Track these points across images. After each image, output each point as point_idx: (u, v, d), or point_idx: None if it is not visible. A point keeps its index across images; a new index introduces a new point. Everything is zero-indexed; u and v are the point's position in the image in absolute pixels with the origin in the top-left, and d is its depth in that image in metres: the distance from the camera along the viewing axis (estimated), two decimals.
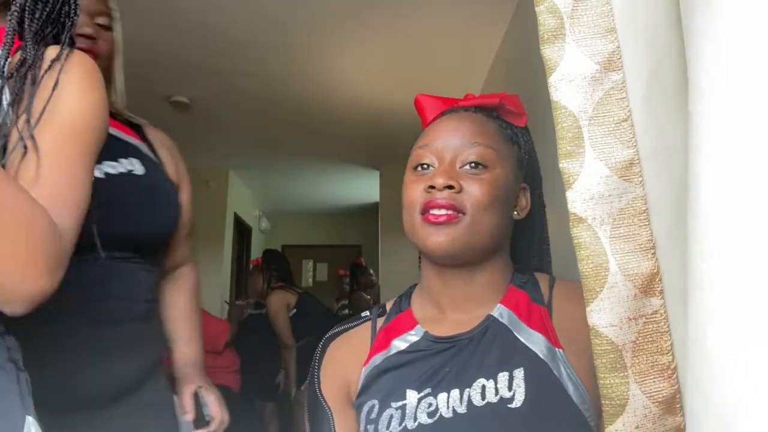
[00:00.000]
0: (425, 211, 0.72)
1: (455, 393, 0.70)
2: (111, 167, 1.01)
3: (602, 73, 0.53)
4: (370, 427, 0.73)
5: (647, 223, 0.52)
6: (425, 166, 0.77)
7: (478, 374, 0.70)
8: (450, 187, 0.72)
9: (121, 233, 0.98)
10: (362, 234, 6.70)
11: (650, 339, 0.52)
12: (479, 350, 0.72)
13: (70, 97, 0.70)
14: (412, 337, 0.78)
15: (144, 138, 1.17)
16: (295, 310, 3.41)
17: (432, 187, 0.72)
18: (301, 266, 7.23)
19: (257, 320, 3.47)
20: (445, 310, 0.79)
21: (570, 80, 0.53)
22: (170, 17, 2.42)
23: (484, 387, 0.69)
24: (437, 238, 0.71)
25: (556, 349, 0.70)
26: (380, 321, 0.84)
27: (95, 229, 0.85)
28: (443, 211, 0.71)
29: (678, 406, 0.52)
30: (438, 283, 0.79)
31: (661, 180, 0.52)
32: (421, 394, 0.72)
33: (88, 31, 1.05)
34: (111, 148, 1.01)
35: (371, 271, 4.76)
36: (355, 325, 0.86)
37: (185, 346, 1.28)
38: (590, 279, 0.52)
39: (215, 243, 4.92)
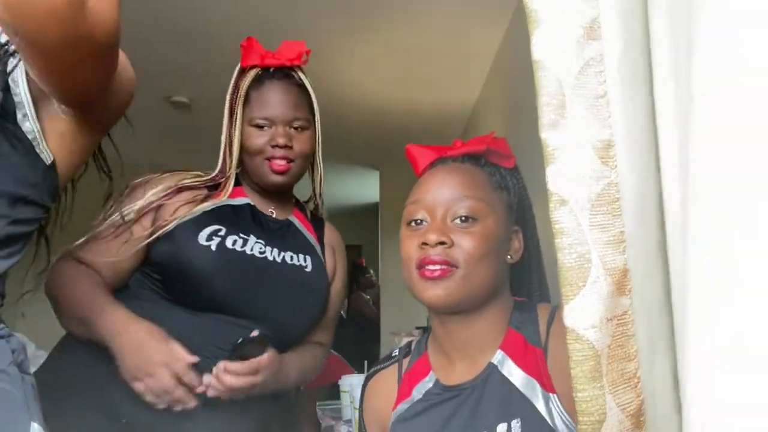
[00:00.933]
0: (421, 266, 0.76)
1: None
2: (290, 257, 1.13)
3: (584, 39, 0.49)
4: None
5: (620, 213, 0.48)
6: (418, 221, 0.80)
7: (480, 427, 0.74)
8: (442, 243, 0.75)
9: (274, 316, 1.07)
10: (362, 234, 6.69)
11: (619, 343, 0.47)
12: (483, 401, 0.76)
13: None
14: (427, 384, 0.83)
15: (320, 235, 1.26)
16: None
17: (425, 243, 0.76)
18: None
19: None
20: (451, 357, 0.82)
21: (553, 40, 0.49)
22: (170, 17, 2.43)
23: None
24: (434, 292, 0.75)
25: (550, 394, 0.73)
26: (405, 362, 0.90)
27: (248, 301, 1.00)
28: (437, 266, 0.74)
29: (642, 419, 0.48)
30: (441, 330, 0.83)
31: (627, 169, 0.49)
32: None
33: (281, 142, 1.10)
34: (294, 243, 1.16)
35: (371, 272, 4.76)
36: (387, 366, 0.92)
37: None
38: (572, 272, 0.46)
39: None
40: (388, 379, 0.90)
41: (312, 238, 1.23)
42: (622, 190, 0.48)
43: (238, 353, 0.96)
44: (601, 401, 0.45)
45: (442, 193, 0.79)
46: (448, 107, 3.40)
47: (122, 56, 0.82)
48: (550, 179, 0.47)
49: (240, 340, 0.97)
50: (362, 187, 5.55)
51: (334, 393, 1.93)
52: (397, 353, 0.92)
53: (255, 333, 1.01)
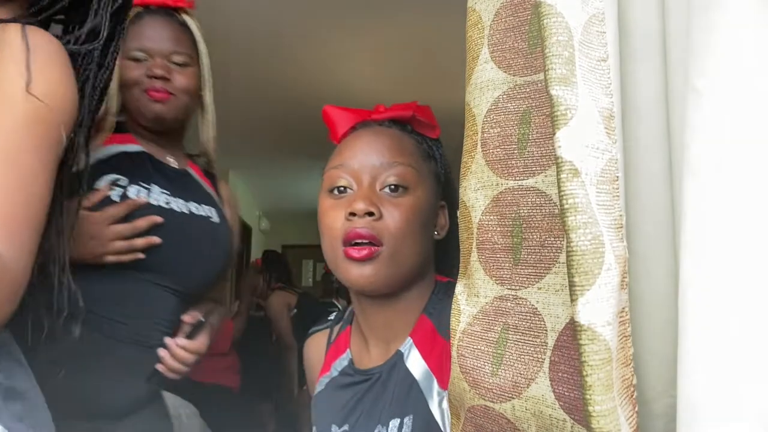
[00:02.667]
0: (347, 242, 0.69)
1: None
2: (195, 208, 1.08)
3: None
4: None
5: (618, 195, 0.43)
6: (342, 188, 0.73)
7: (378, 419, 0.72)
8: (371, 213, 0.69)
9: (183, 270, 1.03)
10: None
11: (621, 345, 0.41)
12: (385, 391, 0.73)
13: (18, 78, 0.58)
14: (343, 362, 0.80)
15: (216, 190, 1.21)
16: (295, 311, 3.42)
17: (353, 214, 0.69)
18: (301, 266, 7.23)
19: (253, 321, 3.49)
20: (368, 337, 0.78)
21: None
22: None
23: None
24: (360, 273, 0.69)
25: (445, 392, 0.65)
26: (336, 329, 0.87)
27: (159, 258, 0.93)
28: (365, 244, 0.69)
29: None
30: (359, 310, 0.79)
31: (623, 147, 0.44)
32: (340, 430, 0.76)
33: (158, 73, 1.05)
34: (197, 193, 1.10)
35: None
36: (322, 329, 0.89)
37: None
38: (587, 257, 0.37)
39: None
40: (319, 342, 0.87)
41: (211, 190, 1.17)
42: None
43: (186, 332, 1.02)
44: (616, 415, 0.37)
45: (370, 157, 0.72)
46: (449, 106, 3.40)
47: None
48: (563, 144, 0.38)
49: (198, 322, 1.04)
50: None
51: None
52: (332, 317, 0.89)
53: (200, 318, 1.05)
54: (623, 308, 0.42)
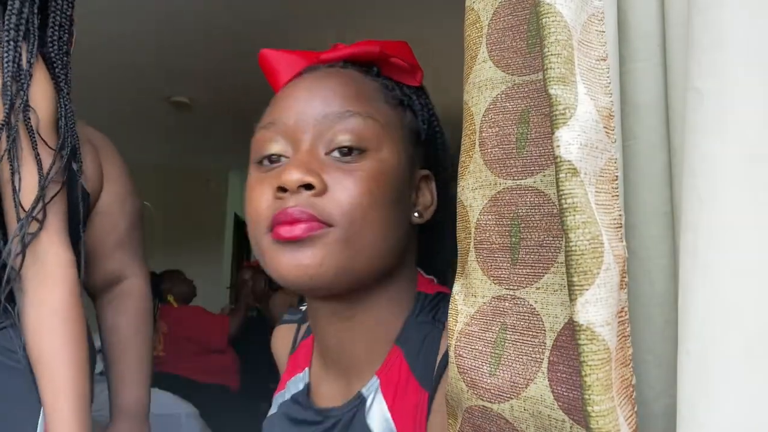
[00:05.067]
0: (274, 224, 0.50)
1: None
2: None
3: None
4: None
5: (618, 194, 0.42)
6: (274, 157, 0.54)
7: None
8: (308, 187, 0.49)
9: None
10: None
11: (620, 345, 0.40)
12: None
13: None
14: (299, 383, 0.63)
15: None
16: None
17: (282, 189, 0.50)
18: None
19: (250, 321, 3.49)
20: (325, 362, 0.60)
21: None
22: (170, 17, 2.43)
23: None
24: (293, 262, 0.49)
25: None
26: (303, 328, 0.69)
27: None
28: (300, 223, 0.49)
29: None
30: (313, 322, 0.60)
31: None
32: None
33: None
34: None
35: None
36: (289, 322, 0.72)
37: (127, 387, 1.01)
38: (586, 256, 0.37)
39: (215, 243, 4.93)
40: (285, 338, 0.70)
41: None
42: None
43: None
44: (615, 416, 0.36)
45: (311, 108, 0.52)
46: (450, 105, 3.40)
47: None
48: (562, 143, 0.38)
49: None
50: None
51: None
52: (302, 310, 0.71)
53: None
54: (622, 308, 0.41)
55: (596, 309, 0.37)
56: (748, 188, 0.37)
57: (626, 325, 0.41)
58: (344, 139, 0.51)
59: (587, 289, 0.37)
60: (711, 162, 0.37)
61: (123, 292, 1.05)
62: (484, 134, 0.51)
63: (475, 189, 0.52)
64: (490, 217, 0.50)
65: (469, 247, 0.52)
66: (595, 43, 0.43)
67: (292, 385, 0.64)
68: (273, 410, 0.65)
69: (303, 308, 0.71)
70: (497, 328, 0.48)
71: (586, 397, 0.36)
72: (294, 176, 0.49)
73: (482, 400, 0.47)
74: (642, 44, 0.49)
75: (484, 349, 0.48)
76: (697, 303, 0.37)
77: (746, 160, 0.37)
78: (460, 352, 0.50)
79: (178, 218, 4.67)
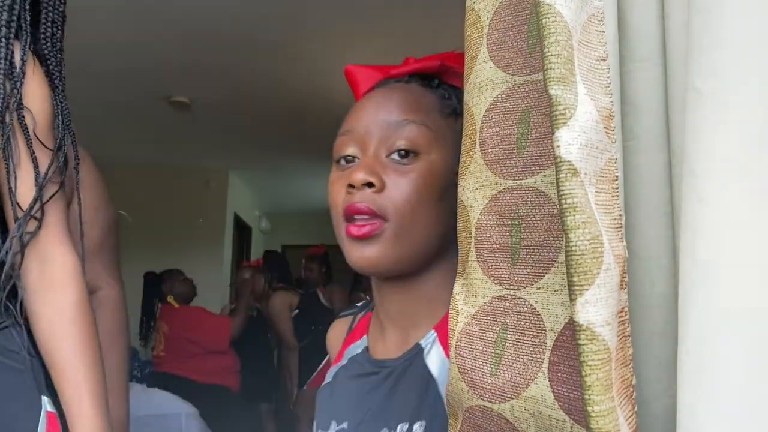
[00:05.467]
0: (348, 218, 0.63)
1: None
2: None
3: None
4: None
5: (618, 194, 0.42)
6: (349, 158, 0.65)
7: (384, 420, 0.64)
8: (370, 185, 0.61)
9: None
10: None
11: (620, 345, 0.40)
12: (398, 389, 0.65)
13: None
14: (357, 349, 0.73)
15: None
16: (297, 311, 3.42)
17: (351, 186, 0.62)
18: (302, 266, 7.23)
19: (250, 321, 3.49)
20: (384, 325, 0.70)
21: None
22: (170, 17, 2.43)
23: None
24: (361, 254, 0.62)
25: None
26: (360, 316, 0.79)
27: None
28: (365, 221, 0.61)
29: None
30: (375, 293, 0.71)
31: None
32: (339, 428, 0.68)
33: None
34: None
35: None
36: (346, 315, 0.83)
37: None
38: (586, 257, 0.37)
39: (215, 243, 4.93)
40: (340, 329, 0.80)
41: None
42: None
43: None
44: (615, 416, 0.37)
45: (377, 119, 0.64)
46: None
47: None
48: (562, 143, 0.38)
49: None
50: None
51: None
52: (358, 306, 0.83)
53: None
54: (622, 308, 0.41)
55: (596, 309, 0.37)
56: (748, 188, 0.37)
57: (626, 325, 0.42)
58: (401, 144, 0.62)
59: (587, 289, 0.37)
60: (711, 162, 0.37)
61: (96, 304, 0.99)
62: (484, 134, 0.51)
63: (476, 189, 0.52)
64: (490, 217, 0.50)
65: (470, 247, 0.52)
66: (595, 44, 0.44)
67: (350, 353, 0.73)
68: (328, 379, 0.74)
69: (358, 305, 0.83)
70: (498, 328, 0.48)
71: (587, 397, 0.36)
72: (359, 176, 0.61)
73: (483, 400, 0.47)
74: (642, 44, 0.49)
75: (485, 349, 0.48)
76: (696, 303, 0.37)
77: (746, 160, 0.37)
78: (461, 352, 0.50)
79: (178, 218, 4.67)
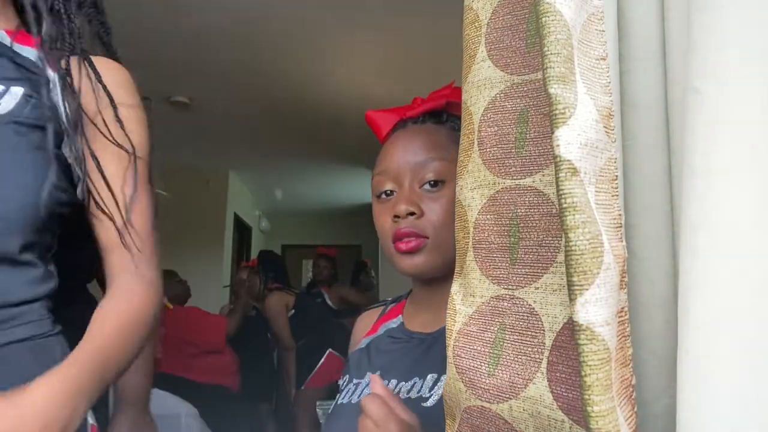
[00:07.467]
0: (395, 240, 0.78)
1: (393, 382, 0.79)
2: None
3: None
4: (338, 395, 0.88)
5: (617, 194, 0.43)
6: (388, 192, 0.81)
7: (418, 372, 0.77)
8: (412, 213, 0.77)
9: None
10: (362, 234, 6.69)
11: (620, 345, 0.40)
12: (429, 353, 0.79)
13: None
14: (393, 324, 0.88)
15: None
16: (293, 311, 3.42)
17: (397, 216, 0.77)
18: (301, 266, 7.23)
19: (249, 321, 3.48)
20: (420, 310, 0.86)
21: None
22: (170, 18, 2.42)
23: (414, 384, 0.77)
24: (410, 262, 0.77)
25: None
26: (391, 305, 0.95)
27: None
28: (411, 239, 0.77)
29: None
30: (416, 289, 0.88)
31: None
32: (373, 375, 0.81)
33: None
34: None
35: (373, 274, 4.74)
36: (375, 307, 0.98)
37: (126, 374, 0.89)
38: (586, 256, 0.37)
39: (215, 243, 4.92)
40: (371, 316, 0.95)
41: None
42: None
43: None
44: (615, 416, 0.36)
45: (407, 159, 0.79)
46: None
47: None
48: (562, 143, 0.38)
49: None
50: (362, 187, 5.55)
51: (334, 393, 1.92)
52: (390, 299, 0.98)
53: None
54: (622, 308, 0.41)
55: (596, 309, 0.37)
56: (748, 188, 0.36)
57: (626, 325, 0.42)
58: (430, 176, 0.78)
59: (587, 289, 0.37)
60: (711, 162, 0.37)
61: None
62: (482, 134, 0.51)
63: (474, 188, 0.51)
64: (488, 216, 0.50)
65: (468, 247, 0.52)
66: (594, 43, 0.44)
67: (386, 326, 0.88)
68: (361, 346, 0.89)
69: (387, 299, 0.98)
70: (496, 328, 0.48)
71: (586, 397, 0.36)
72: (402, 208, 0.76)
73: (481, 400, 0.47)
74: (642, 44, 0.48)
75: (483, 349, 0.48)
76: (696, 303, 0.37)
77: (746, 159, 0.37)
78: (459, 352, 0.50)
79: (178, 218, 4.67)
